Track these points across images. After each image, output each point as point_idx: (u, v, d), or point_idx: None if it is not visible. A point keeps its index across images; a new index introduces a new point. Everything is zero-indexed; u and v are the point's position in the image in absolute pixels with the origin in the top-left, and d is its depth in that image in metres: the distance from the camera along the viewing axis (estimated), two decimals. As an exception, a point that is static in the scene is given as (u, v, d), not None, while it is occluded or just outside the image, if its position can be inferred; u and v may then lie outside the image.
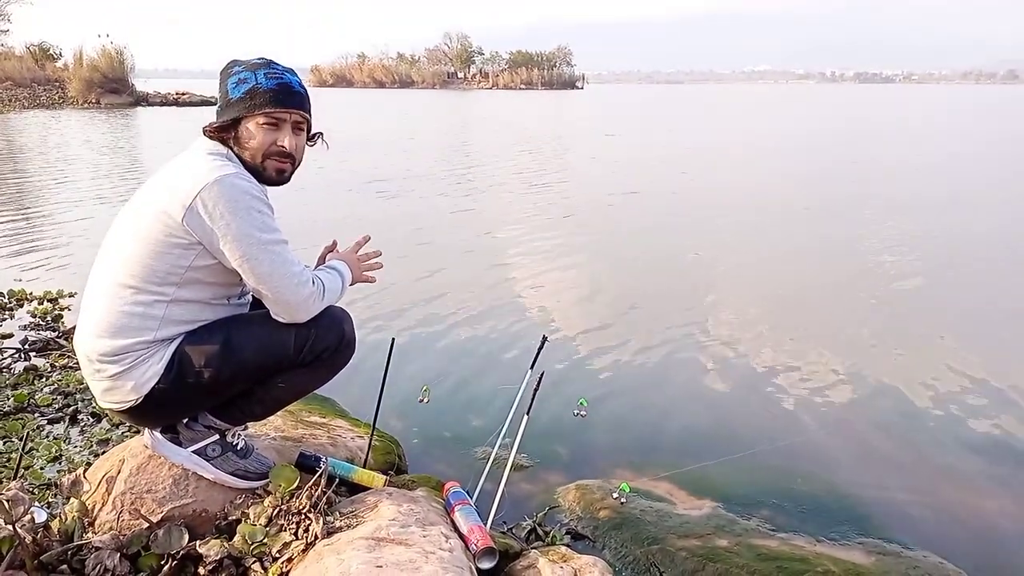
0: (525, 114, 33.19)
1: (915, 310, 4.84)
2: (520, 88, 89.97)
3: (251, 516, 1.89)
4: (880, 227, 7.39)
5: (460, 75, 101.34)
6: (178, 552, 1.79)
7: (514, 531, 2.35)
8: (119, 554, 1.77)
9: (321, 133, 2.00)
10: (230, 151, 1.82)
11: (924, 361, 3.92)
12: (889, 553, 2.29)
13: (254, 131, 1.80)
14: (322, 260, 2.11)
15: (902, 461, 2.94)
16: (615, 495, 2.46)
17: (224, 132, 1.82)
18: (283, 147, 1.83)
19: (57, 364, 3.52)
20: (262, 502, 1.93)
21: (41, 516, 1.78)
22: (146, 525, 1.85)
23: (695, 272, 5.85)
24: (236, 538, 1.82)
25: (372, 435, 2.43)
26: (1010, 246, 6.75)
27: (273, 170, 1.84)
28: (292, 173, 1.90)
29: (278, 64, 1.86)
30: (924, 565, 2.23)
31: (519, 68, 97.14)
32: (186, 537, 1.82)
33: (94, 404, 3.02)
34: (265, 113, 1.79)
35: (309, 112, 1.90)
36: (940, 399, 3.48)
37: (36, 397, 3.12)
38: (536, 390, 2.27)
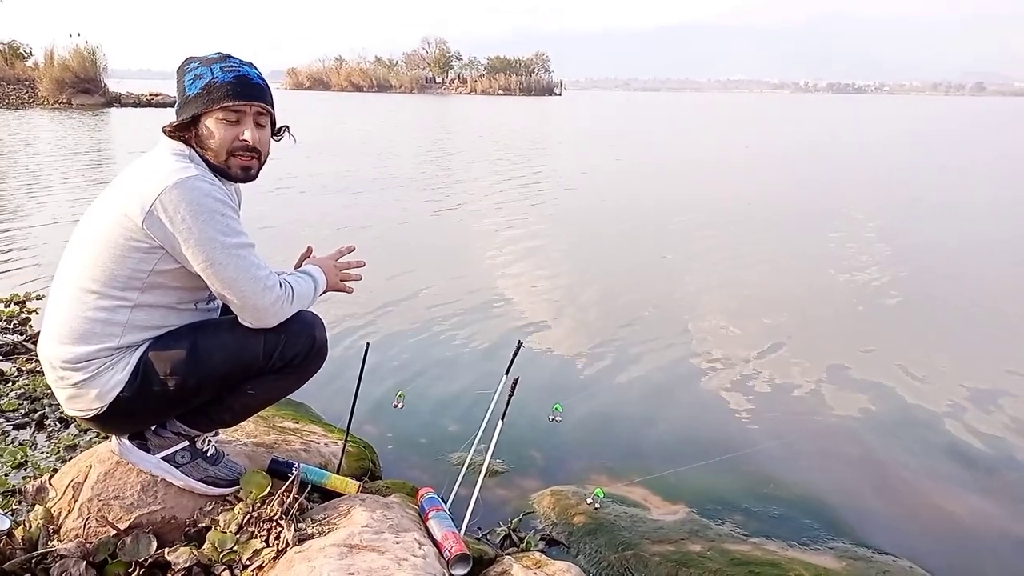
0: (504, 120, 33.20)
1: (886, 319, 4.91)
2: (498, 94, 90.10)
3: (221, 523, 1.87)
4: (855, 237, 7.50)
5: (438, 80, 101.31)
6: (146, 560, 1.76)
7: (488, 537, 2.35)
8: (85, 562, 1.73)
9: (287, 126, 1.94)
10: (193, 151, 1.76)
11: (895, 368, 3.98)
12: (860, 557, 2.32)
13: (213, 128, 1.74)
14: (298, 267, 2.08)
15: (873, 466, 2.98)
16: (590, 500, 2.47)
17: (184, 131, 1.76)
18: (246, 140, 1.77)
19: (24, 368, 3.45)
20: (232, 509, 1.91)
21: (4, 523, 1.74)
22: (113, 532, 1.82)
23: (671, 280, 5.89)
24: (206, 545, 1.80)
25: (346, 440, 2.42)
26: (985, 256, 6.88)
27: (238, 167, 1.79)
28: (259, 169, 1.85)
29: (235, 57, 1.80)
30: (894, 569, 2.26)
31: (497, 74, 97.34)
32: (154, 545, 1.80)
33: (62, 410, 2.95)
34: (223, 107, 1.73)
35: (271, 104, 1.83)
36: (911, 405, 3.53)
37: (1, 402, 3.05)
38: (511, 395, 2.27)
